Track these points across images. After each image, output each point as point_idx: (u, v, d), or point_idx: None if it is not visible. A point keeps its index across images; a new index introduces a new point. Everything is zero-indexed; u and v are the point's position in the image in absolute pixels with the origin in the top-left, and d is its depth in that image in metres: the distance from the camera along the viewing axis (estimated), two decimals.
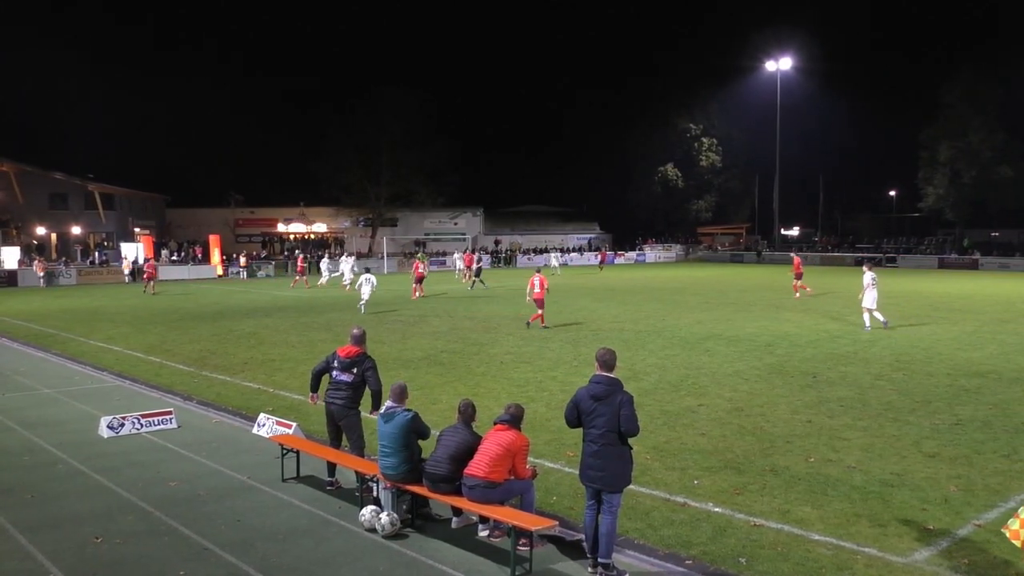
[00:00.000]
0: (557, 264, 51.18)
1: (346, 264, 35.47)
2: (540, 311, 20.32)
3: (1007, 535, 5.43)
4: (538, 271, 21.21)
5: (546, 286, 20.76)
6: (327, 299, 30.67)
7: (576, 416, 6.22)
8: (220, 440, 10.06)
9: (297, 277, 38.07)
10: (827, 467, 8.46)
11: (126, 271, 44.85)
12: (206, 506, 7.61)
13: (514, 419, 6.82)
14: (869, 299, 19.24)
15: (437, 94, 74.09)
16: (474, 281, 35.48)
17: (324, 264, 40.28)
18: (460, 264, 43.01)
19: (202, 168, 75.64)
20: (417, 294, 30.23)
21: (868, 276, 19.32)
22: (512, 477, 6.70)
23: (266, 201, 67.80)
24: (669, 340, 17.87)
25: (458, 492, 6.81)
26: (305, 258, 42.68)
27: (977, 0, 78.11)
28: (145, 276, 35.26)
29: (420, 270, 31.24)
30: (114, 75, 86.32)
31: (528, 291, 20.85)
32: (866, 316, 19.34)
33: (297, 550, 6.59)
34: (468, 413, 7.11)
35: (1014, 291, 30.97)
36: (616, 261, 64.77)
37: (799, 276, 29.49)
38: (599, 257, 59.77)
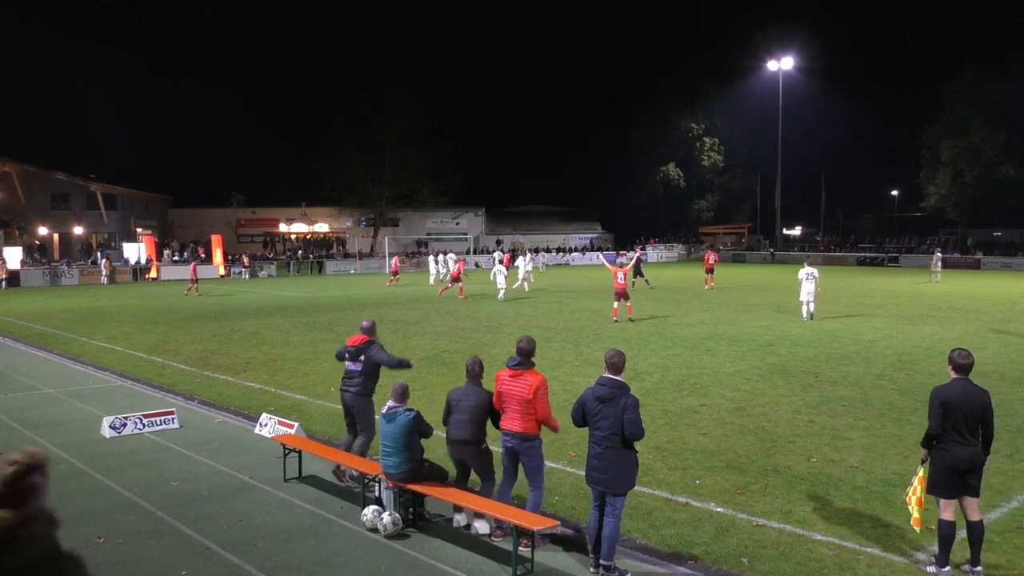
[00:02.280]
0: (529, 267, 52.09)
1: (448, 260, 37.62)
2: (628, 303, 21.25)
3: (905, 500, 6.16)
4: (621, 266, 21.91)
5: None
6: (328, 299, 30.69)
7: (582, 417, 6.24)
8: (222, 440, 10.08)
9: (392, 277, 38.78)
10: (829, 467, 8.46)
11: (104, 272, 43.37)
12: (208, 506, 7.62)
13: (525, 356, 6.73)
14: (804, 292, 20.84)
15: (439, 93, 74.44)
16: (639, 283, 32.93)
17: (443, 259, 40.67)
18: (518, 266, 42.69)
19: (204, 168, 75.93)
20: (443, 292, 30.55)
21: (803, 271, 20.91)
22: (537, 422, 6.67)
23: (268, 201, 67.88)
24: (671, 340, 17.86)
25: (482, 456, 6.94)
26: (400, 259, 43.83)
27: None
28: (191, 277, 35.05)
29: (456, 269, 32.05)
30: (116, 75, 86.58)
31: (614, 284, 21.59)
32: (803, 308, 21.00)
33: (299, 550, 6.59)
34: (476, 371, 7.09)
35: (1016, 291, 30.89)
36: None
37: (710, 271, 33.01)
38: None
